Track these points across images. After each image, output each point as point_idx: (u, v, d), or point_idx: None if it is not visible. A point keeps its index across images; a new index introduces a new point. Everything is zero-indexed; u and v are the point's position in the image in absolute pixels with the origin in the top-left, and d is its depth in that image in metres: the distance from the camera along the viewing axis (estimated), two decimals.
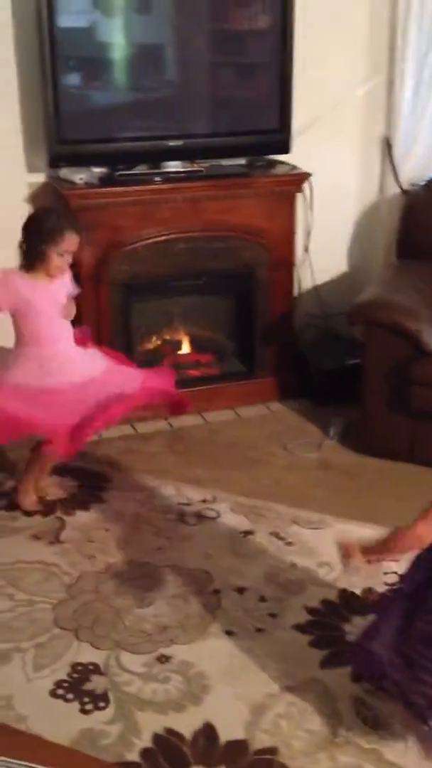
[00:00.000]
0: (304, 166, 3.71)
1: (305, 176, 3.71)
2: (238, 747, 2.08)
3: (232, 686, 2.26)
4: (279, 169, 3.73)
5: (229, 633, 2.45)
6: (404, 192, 3.94)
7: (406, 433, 3.34)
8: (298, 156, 3.70)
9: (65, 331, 2.86)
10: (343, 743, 2.09)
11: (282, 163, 3.75)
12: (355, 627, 2.47)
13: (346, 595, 2.61)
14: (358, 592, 2.62)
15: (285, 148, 3.68)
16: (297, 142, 3.70)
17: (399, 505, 3.06)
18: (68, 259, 2.77)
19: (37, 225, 2.74)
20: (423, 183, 3.87)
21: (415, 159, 3.89)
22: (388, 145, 3.95)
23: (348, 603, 2.58)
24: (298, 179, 3.70)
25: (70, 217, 2.84)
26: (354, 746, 2.08)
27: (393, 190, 3.98)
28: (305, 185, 3.74)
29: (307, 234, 3.91)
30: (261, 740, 2.10)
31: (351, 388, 3.50)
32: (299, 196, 3.78)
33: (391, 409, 3.35)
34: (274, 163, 3.75)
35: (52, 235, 2.70)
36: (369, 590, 2.63)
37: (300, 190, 3.74)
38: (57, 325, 2.82)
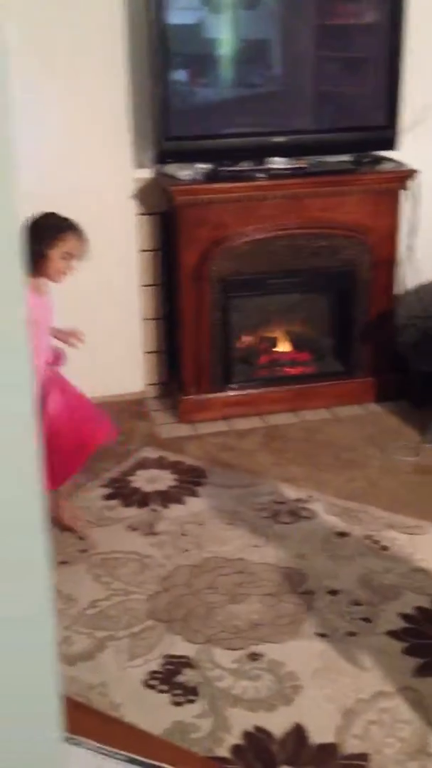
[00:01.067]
0: (412, 163, 3.63)
1: (410, 173, 3.63)
2: (328, 750, 2.06)
3: (323, 688, 2.24)
4: (385, 166, 3.66)
5: (321, 635, 2.43)
6: None
7: None
8: (405, 152, 3.63)
9: (47, 348, 2.76)
10: None
11: (388, 159, 3.68)
12: None
13: None
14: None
15: (391, 145, 3.62)
16: (405, 138, 3.63)
17: None
18: (71, 264, 2.66)
19: (38, 225, 2.60)
20: None
21: None
22: None
23: None
24: (404, 176, 3.63)
25: (72, 220, 2.67)
26: None
27: None
28: (411, 182, 3.66)
29: (413, 232, 3.83)
30: (351, 745, 2.07)
31: None
32: (405, 194, 3.70)
33: None
34: (380, 160, 3.68)
35: (53, 235, 2.60)
36: None
37: (405, 187, 3.67)
38: (45, 340, 2.72)
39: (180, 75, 3.40)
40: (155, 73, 3.28)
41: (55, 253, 2.61)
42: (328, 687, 2.25)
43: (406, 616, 2.50)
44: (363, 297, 3.74)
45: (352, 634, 2.44)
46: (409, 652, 2.37)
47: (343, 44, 3.62)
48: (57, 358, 2.83)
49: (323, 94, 3.64)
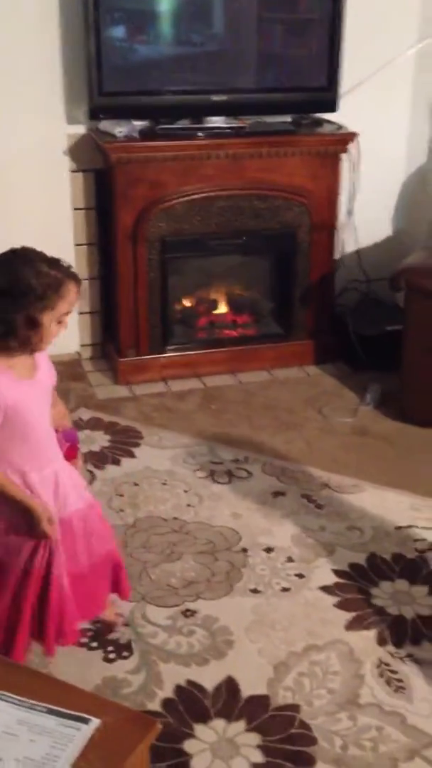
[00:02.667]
0: (351, 126, 3.62)
1: (352, 136, 3.62)
2: (260, 702, 2.07)
3: (255, 643, 2.25)
4: (325, 128, 3.64)
5: (255, 591, 2.44)
6: None
7: None
8: (345, 116, 3.62)
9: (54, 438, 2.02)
10: (365, 704, 2.07)
11: (329, 122, 3.66)
12: (382, 591, 2.44)
13: (375, 559, 2.58)
14: (387, 557, 2.59)
15: (332, 107, 3.60)
16: (345, 101, 3.62)
17: None
18: (67, 322, 1.89)
19: (20, 285, 1.78)
20: None
21: None
22: None
23: (376, 568, 2.54)
24: (344, 139, 3.61)
25: (59, 260, 1.87)
26: (376, 708, 2.06)
27: None
28: (351, 145, 3.65)
29: (352, 196, 3.83)
30: (283, 697, 2.09)
31: (390, 355, 3.44)
32: (345, 157, 3.69)
33: (431, 375, 3.28)
34: (321, 122, 3.66)
35: (47, 295, 1.80)
36: (398, 556, 2.59)
37: (345, 150, 3.65)
38: (50, 433, 2.00)
39: (116, 31, 3.32)
40: (88, 28, 3.20)
41: (50, 318, 1.83)
42: (260, 641, 2.26)
43: (339, 572, 2.52)
44: (303, 260, 3.73)
45: (285, 589, 2.45)
46: (341, 606, 2.39)
47: (286, 5, 3.58)
48: (71, 446, 2.12)
49: (264, 54, 3.59)
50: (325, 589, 2.46)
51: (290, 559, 2.57)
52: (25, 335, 1.81)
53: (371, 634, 2.28)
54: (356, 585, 2.47)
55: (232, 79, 3.52)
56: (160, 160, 3.38)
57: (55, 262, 1.84)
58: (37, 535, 1.92)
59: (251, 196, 3.56)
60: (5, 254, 1.85)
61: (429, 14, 3.75)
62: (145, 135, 3.37)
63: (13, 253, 1.84)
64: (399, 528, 2.73)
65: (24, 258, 1.82)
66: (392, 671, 2.16)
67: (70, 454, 2.08)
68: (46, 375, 1.96)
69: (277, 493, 2.89)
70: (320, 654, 2.22)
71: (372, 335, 3.72)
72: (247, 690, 2.11)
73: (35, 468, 1.93)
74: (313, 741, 1.97)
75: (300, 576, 2.50)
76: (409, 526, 2.74)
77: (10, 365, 1.85)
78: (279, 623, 2.32)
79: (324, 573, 2.52)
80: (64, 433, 2.08)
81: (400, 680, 2.14)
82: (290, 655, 2.21)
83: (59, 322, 1.86)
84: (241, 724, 2.01)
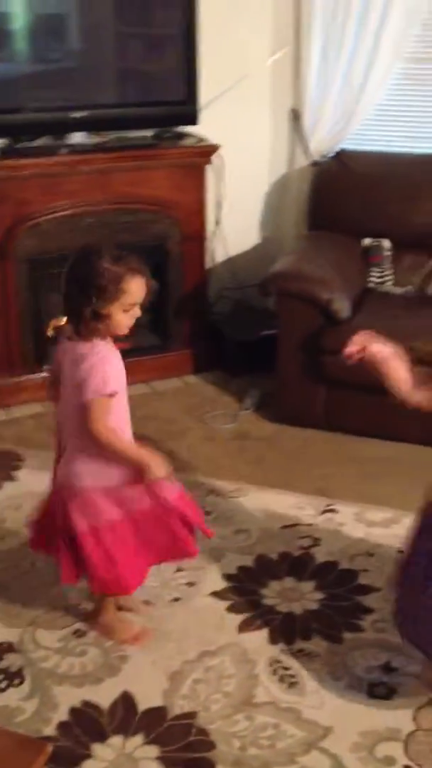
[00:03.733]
0: (213, 138, 3.69)
1: (214, 148, 3.69)
2: (157, 714, 2.06)
3: (149, 655, 2.25)
4: (187, 141, 3.70)
5: (146, 603, 2.43)
6: (314, 164, 3.96)
7: (321, 401, 3.37)
8: (207, 128, 3.68)
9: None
10: (260, 704, 2.10)
11: (191, 135, 3.72)
12: (271, 591, 2.48)
13: (263, 560, 2.62)
14: (274, 557, 2.64)
15: (193, 120, 3.66)
16: (206, 114, 3.69)
17: (315, 471, 3.11)
18: (137, 311, 2.08)
19: (89, 277, 1.99)
20: (332, 155, 3.90)
21: (323, 131, 3.90)
22: (296, 117, 3.96)
23: (265, 568, 2.59)
24: (207, 151, 3.68)
25: (125, 255, 2.05)
26: (272, 706, 2.09)
27: (303, 161, 4.00)
28: (215, 157, 3.72)
29: (219, 206, 3.89)
30: (179, 706, 2.09)
31: (266, 359, 3.51)
32: (209, 169, 3.76)
33: (305, 378, 3.37)
34: (183, 135, 3.72)
35: (113, 287, 1.98)
36: (285, 555, 2.64)
37: (209, 162, 3.72)
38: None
39: None
40: None
41: (120, 309, 2.03)
42: (153, 653, 2.25)
43: (229, 577, 2.55)
44: (175, 271, 3.76)
45: (176, 599, 2.46)
46: (232, 609, 2.42)
47: (142, 20, 3.61)
48: None
49: (123, 69, 3.61)
50: (216, 594, 2.48)
51: (179, 569, 2.57)
52: (94, 326, 2.03)
53: (263, 634, 2.32)
54: (246, 587, 2.51)
55: (92, 95, 3.52)
56: (24, 178, 3.34)
57: (120, 257, 2.02)
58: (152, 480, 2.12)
59: (119, 211, 3.57)
60: (79, 250, 2.07)
61: (281, 26, 3.87)
62: (6, 153, 3.32)
63: (84, 249, 2.06)
64: (284, 527, 2.79)
65: (91, 254, 2.02)
66: (285, 668, 2.20)
67: None
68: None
69: None
70: (214, 659, 2.23)
71: (247, 341, 3.79)
72: (143, 703, 2.10)
73: (125, 431, 2.18)
74: (211, 746, 1.98)
75: (190, 584, 2.52)
76: (294, 525, 2.80)
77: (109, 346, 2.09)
78: (172, 633, 2.32)
79: (214, 579, 2.54)
80: None
81: (292, 676, 2.18)
82: (184, 664, 2.22)
83: (125, 311, 2.03)
84: (138, 738, 2.00)
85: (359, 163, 3.80)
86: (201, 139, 3.70)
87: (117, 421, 2.13)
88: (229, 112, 3.81)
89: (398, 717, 2.05)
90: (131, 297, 2.02)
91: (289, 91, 3.95)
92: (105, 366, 2.06)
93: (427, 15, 3.65)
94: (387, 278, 3.66)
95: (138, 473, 2.12)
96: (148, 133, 3.66)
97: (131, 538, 2.17)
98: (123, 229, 3.58)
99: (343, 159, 3.83)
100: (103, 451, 2.09)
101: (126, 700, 2.10)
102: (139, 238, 3.63)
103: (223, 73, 3.78)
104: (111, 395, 2.07)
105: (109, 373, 2.07)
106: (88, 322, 2.02)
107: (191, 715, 2.06)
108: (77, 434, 2.13)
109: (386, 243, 3.68)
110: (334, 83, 3.81)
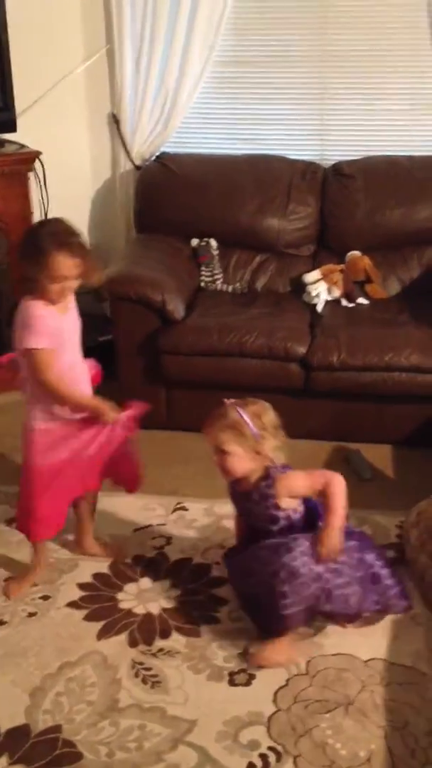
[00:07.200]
0: (33, 145, 3.64)
1: (35, 155, 3.64)
2: (20, 733, 2.03)
3: (7, 675, 2.21)
4: (7, 149, 3.63)
5: (0, 623, 2.38)
6: (137, 168, 3.99)
7: (162, 402, 3.41)
8: (26, 135, 3.64)
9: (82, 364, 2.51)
10: (124, 707, 2.11)
11: (10, 142, 3.65)
12: (127, 594, 2.50)
13: (117, 565, 2.63)
14: (128, 560, 2.65)
15: (11, 127, 3.60)
16: (24, 120, 3.64)
17: (160, 472, 3.14)
18: (69, 284, 2.29)
19: (23, 247, 2.29)
20: (153, 158, 3.95)
21: (143, 134, 3.95)
22: (116, 121, 3.98)
23: (119, 573, 2.60)
24: (28, 158, 3.63)
25: (62, 234, 2.27)
26: (136, 708, 2.11)
27: (126, 166, 4.02)
28: (36, 164, 3.67)
29: (44, 214, 3.84)
30: (44, 721, 2.07)
31: (106, 365, 3.50)
32: (32, 176, 3.70)
33: (145, 380, 3.41)
34: (1, 143, 3.64)
35: (37, 259, 2.21)
36: (139, 557, 2.67)
37: (31, 169, 3.67)
38: (79, 359, 2.49)
39: None
40: None
41: (46, 278, 2.23)
42: (12, 672, 2.22)
43: (84, 585, 2.54)
44: (5, 282, 3.68)
45: (32, 614, 2.42)
46: (89, 617, 2.41)
47: None
48: (97, 372, 2.61)
49: None
50: (72, 604, 2.46)
51: (34, 584, 2.54)
52: (25, 287, 2.28)
53: (122, 638, 2.33)
54: (102, 594, 2.51)
55: None
56: None
57: (56, 233, 2.25)
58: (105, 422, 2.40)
59: None
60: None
61: (91, 32, 3.87)
62: None
63: (37, 223, 2.48)
64: (136, 530, 2.81)
65: (34, 230, 2.34)
66: (146, 668, 2.23)
67: (95, 379, 2.57)
68: (74, 314, 2.46)
69: (11, 520, 2.84)
70: (75, 669, 2.22)
71: (86, 347, 3.76)
72: (5, 724, 2.06)
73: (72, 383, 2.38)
74: (78, 756, 1.97)
75: (45, 598, 2.49)
76: (146, 526, 2.83)
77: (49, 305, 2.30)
78: (30, 649, 2.29)
79: (69, 589, 2.52)
80: (89, 362, 2.55)
81: (155, 675, 2.21)
82: (45, 678, 2.19)
83: (53, 281, 2.23)
84: (3, 760, 1.96)
85: (180, 165, 3.87)
86: (21, 146, 3.64)
87: (67, 378, 2.35)
88: (47, 119, 3.79)
89: (259, 701, 2.13)
90: (54, 270, 2.21)
91: (106, 95, 3.96)
92: (33, 321, 2.26)
93: (232, 20, 3.77)
94: (217, 277, 3.75)
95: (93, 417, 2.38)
96: None
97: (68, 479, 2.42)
98: None
99: (164, 162, 3.89)
100: (56, 399, 2.34)
101: None
102: None
103: (39, 80, 3.75)
104: (44, 349, 2.27)
105: (37, 328, 2.26)
106: (19, 282, 2.30)
107: (56, 728, 2.05)
108: (28, 382, 2.36)
109: (213, 242, 3.77)
110: (150, 87, 3.87)
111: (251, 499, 2.27)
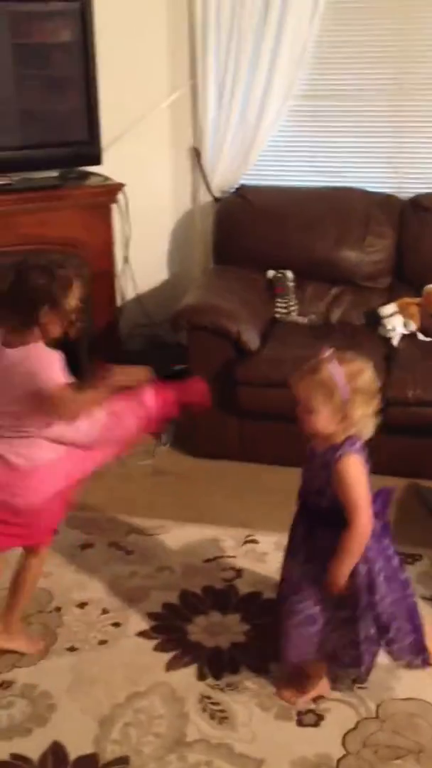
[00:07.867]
0: (117, 178, 3.73)
1: (119, 187, 3.73)
2: (88, 762, 2.05)
3: (78, 701, 2.23)
4: (92, 181, 3.73)
5: (72, 649, 2.42)
6: (216, 200, 4.05)
7: (235, 433, 3.43)
8: (111, 168, 3.73)
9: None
10: (192, 742, 2.11)
11: (95, 174, 3.76)
12: (197, 626, 2.51)
13: (187, 596, 2.64)
14: (198, 591, 2.66)
15: (96, 160, 3.70)
16: (109, 154, 3.73)
17: (231, 503, 3.16)
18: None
19: (36, 288, 2.20)
20: (232, 190, 4.00)
21: (223, 167, 4.01)
22: (197, 155, 4.05)
23: (189, 604, 2.61)
24: (112, 190, 3.72)
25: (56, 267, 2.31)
26: (204, 743, 2.11)
27: (206, 198, 4.09)
28: (120, 196, 3.76)
29: (126, 244, 3.93)
30: (111, 751, 2.08)
31: None
32: (115, 208, 3.80)
33: (219, 410, 3.42)
34: (87, 175, 3.75)
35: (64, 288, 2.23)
36: (208, 588, 2.67)
37: (115, 200, 3.77)
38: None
39: None
40: None
41: (53, 316, 2.24)
42: (82, 699, 2.24)
43: (154, 615, 2.56)
44: (85, 310, 3.75)
45: (103, 642, 2.45)
46: (159, 648, 2.43)
47: (42, 62, 3.64)
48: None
49: (25, 111, 3.61)
50: (143, 634, 2.48)
51: (105, 611, 2.57)
52: (33, 331, 2.23)
53: (191, 671, 2.34)
54: (172, 624, 2.52)
55: None
56: None
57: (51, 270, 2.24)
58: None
59: (27, 252, 3.55)
60: (18, 266, 2.28)
61: (177, 67, 3.96)
62: None
63: (22, 264, 2.27)
64: (206, 561, 2.82)
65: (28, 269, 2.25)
66: (214, 703, 2.23)
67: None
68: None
69: (85, 546, 2.89)
70: (143, 700, 2.24)
71: (160, 376, 3.81)
72: (74, 752, 2.08)
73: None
74: None
75: (116, 625, 2.52)
76: (216, 558, 2.84)
77: None
78: (99, 677, 2.32)
79: (140, 618, 2.55)
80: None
81: (222, 711, 2.20)
82: (114, 708, 2.21)
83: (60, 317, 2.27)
84: None
85: (258, 197, 3.91)
86: (106, 179, 3.74)
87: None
88: (131, 152, 3.88)
89: (328, 743, 2.10)
90: (70, 303, 2.23)
91: (188, 129, 4.04)
92: (53, 357, 2.22)
93: (312, 55, 3.81)
94: (292, 308, 3.76)
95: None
96: (53, 173, 3.68)
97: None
98: None
99: (243, 194, 3.93)
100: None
101: (56, 750, 2.08)
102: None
103: (124, 114, 3.84)
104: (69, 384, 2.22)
105: (60, 364, 2.22)
106: (28, 328, 2.17)
107: (124, 759, 2.06)
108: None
109: (289, 274, 3.79)
110: (231, 121, 3.93)
111: (316, 458, 2.12)
